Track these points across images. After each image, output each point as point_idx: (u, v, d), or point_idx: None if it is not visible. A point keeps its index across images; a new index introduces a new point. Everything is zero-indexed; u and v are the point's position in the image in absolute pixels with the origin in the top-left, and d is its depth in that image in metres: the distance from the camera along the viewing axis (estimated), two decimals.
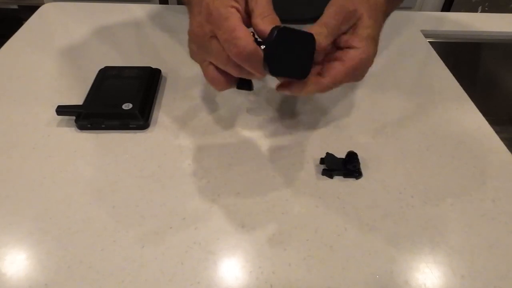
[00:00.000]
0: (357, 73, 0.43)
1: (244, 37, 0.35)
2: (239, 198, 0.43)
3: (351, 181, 0.45)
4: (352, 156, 0.46)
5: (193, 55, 0.42)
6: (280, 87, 0.43)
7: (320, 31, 0.41)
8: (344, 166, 0.45)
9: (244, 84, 0.42)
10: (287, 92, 0.43)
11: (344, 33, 0.43)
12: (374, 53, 0.43)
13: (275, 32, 0.36)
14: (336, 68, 0.42)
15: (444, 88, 0.61)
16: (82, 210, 0.41)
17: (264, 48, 0.36)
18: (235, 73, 0.39)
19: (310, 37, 0.39)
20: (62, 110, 0.50)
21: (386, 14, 0.47)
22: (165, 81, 0.59)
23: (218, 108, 0.55)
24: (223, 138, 0.50)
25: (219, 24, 0.36)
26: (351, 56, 0.41)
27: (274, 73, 0.38)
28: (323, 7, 0.44)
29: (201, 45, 0.39)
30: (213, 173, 0.45)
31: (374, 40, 0.43)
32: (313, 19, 0.43)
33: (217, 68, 0.39)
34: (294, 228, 0.40)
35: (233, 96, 0.57)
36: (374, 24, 0.43)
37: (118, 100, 0.51)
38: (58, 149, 0.47)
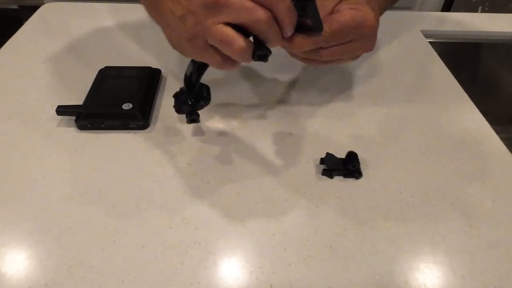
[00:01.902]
0: (355, 27, 0.41)
1: None
2: (239, 198, 0.43)
3: (351, 181, 0.45)
4: (352, 156, 0.46)
5: (196, 24, 0.37)
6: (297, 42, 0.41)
7: None
8: (344, 166, 0.45)
9: (262, 48, 0.37)
10: (299, 47, 0.41)
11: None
12: (371, 14, 0.42)
13: None
14: (333, 17, 0.41)
15: (444, 88, 0.61)
16: (82, 210, 0.41)
17: None
18: (261, 22, 0.35)
19: None
20: (62, 110, 0.50)
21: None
22: (165, 81, 0.59)
23: (218, 108, 0.55)
24: (223, 138, 0.50)
25: None
26: (345, 11, 0.41)
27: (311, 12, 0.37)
28: None
29: (214, 4, 0.35)
30: (213, 173, 0.45)
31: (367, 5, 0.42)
32: None
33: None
34: (294, 228, 0.40)
35: (233, 96, 0.57)
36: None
37: (118, 100, 0.51)
38: (58, 149, 0.47)
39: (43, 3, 0.79)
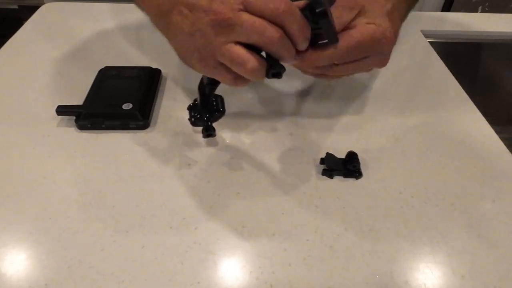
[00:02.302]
0: (372, 44, 0.40)
1: None
2: (239, 198, 0.43)
3: (351, 181, 0.45)
4: (352, 156, 0.46)
5: (206, 44, 0.36)
6: (310, 56, 0.39)
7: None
8: (344, 166, 0.45)
9: (275, 66, 0.36)
10: (313, 61, 0.40)
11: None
12: (390, 29, 0.40)
13: None
14: (350, 33, 0.39)
15: (444, 88, 0.61)
16: (82, 210, 0.41)
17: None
18: (273, 41, 0.34)
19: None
20: (62, 110, 0.50)
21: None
22: (165, 81, 0.59)
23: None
24: (223, 139, 0.50)
25: None
26: (362, 27, 0.40)
27: (326, 28, 0.36)
28: None
29: (224, 24, 0.34)
30: (213, 173, 0.45)
31: (387, 17, 0.41)
32: None
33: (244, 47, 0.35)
34: (294, 228, 0.40)
35: (233, 96, 0.57)
36: (379, 8, 0.41)
37: (118, 100, 0.51)
38: (58, 149, 0.47)
39: (43, 3, 0.79)
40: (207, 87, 0.43)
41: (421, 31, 0.76)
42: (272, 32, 0.34)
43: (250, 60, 0.35)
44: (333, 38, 0.37)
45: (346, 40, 0.39)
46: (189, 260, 0.37)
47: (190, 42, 0.37)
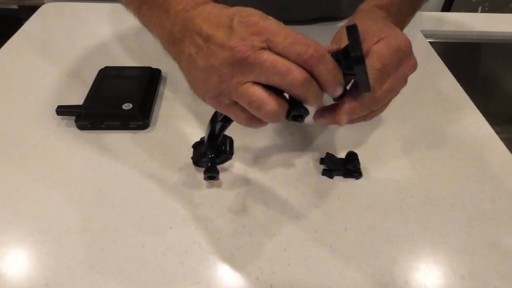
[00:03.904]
0: (400, 51, 0.38)
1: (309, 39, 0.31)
2: (239, 198, 0.43)
3: (351, 181, 0.45)
4: (352, 156, 0.46)
5: (221, 82, 0.32)
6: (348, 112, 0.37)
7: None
8: (344, 166, 0.45)
9: (298, 108, 0.33)
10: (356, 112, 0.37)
11: None
12: (400, 33, 0.39)
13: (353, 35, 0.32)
14: (377, 49, 0.37)
15: (444, 88, 0.61)
16: (82, 210, 0.41)
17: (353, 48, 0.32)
18: (297, 85, 0.31)
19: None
20: (62, 110, 0.50)
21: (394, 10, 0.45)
22: (165, 81, 0.59)
23: None
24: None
25: (275, 31, 0.31)
26: (377, 47, 0.37)
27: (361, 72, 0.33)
28: (321, 8, 0.42)
29: (242, 63, 0.31)
30: None
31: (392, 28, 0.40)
32: (313, 20, 0.42)
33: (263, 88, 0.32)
34: (294, 228, 0.40)
35: None
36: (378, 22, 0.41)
37: (118, 100, 0.51)
38: (58, 149, 0.47)
39: (43, 3, 0.79)
40: (219, 124, 0.39)
41: (421, 31, 0.76)
42: (296, 75, 0.30)
43: (269, 103, 0.31)
44: (367, 86, 0.34)
45: (373, 64, 0.36)
46: (189, 260, 0.37)
47: (203, 77, 0.33)
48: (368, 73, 0.33)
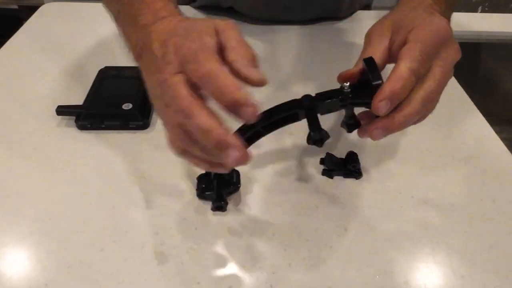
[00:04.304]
0: (439, 35, 0.35)
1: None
2: (239, 198, 0.43)
3: (351, 181, 0.45)
4: (352, 156, 0.46)
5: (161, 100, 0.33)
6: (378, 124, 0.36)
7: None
8: (344, 166, 0.45)
9: (317, 132, 0.37)
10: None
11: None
12: (442, 21, 0.36)
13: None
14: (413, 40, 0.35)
15: (444, 88, 0.61)
16: (82, 210, 0.41)
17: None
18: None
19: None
20: (62, 110, 0.50)
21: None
22: None
23: (218, 108, 0.54)
24: None
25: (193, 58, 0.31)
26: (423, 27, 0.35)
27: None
28: (321, 8, 0.41)
29: (162, 86, 0.32)
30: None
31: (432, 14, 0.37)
32: (314, 20, 0.41)
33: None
34: (294, 228, 0.40)
35: None
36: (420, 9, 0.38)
37: (118, 100, 0.51)
38: (58, 149, 0.47)
39: (43, 3, 0.79)
40: None
41: None
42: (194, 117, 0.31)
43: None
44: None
45: (413, 49, 0.34)
46: (189, 260, 0.37)
47: (151, 94, 0.35)
48: (411, 55, 0.33)
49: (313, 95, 0.37)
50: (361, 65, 0.36)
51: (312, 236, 0.39)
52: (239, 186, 0.42)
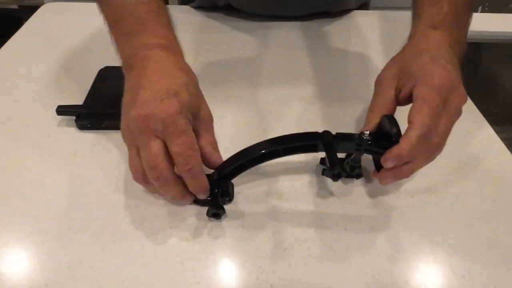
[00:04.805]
0: (443, 89, 0.38)
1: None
2: (239, 198, 0.43)
3: (351, 181, 0.45)
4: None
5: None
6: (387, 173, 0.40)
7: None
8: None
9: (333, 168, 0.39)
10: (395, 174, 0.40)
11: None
12: (436, 68, 0.39)
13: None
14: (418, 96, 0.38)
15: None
16: (82, 210, 0.41)
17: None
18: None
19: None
20: (62, 110, 0.50)
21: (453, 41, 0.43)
22: None
23: (218, 108, 0.54)
24: (222, 138, 0.50)
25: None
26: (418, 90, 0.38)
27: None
28: (317, 4, 0.41)
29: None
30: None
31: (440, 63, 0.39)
32: (311, 16, 0.42)
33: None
34: (294, 228, 0.40)
35: (233, 96, 0.57)
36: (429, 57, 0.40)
37: (118, 100, 0.51)
38: (58, 149, 0.47)
39: (43, 3, 0.79)
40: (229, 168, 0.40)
41: None
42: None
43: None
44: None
45: (420, 109, 0.37)
46: (189, 260, 0.37)
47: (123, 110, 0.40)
48: (419, 120, 0.37)
49: (334, 133, 0.41)
50: (376, 117, 0.41)
51: (312, 236, 0.39)
52: (232, 199, 0.42)
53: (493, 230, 0.40)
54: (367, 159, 0.47)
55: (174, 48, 0.42)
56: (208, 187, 0.39)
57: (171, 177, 0.37)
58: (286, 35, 0.70)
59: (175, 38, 0.43)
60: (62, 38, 0.69)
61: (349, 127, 0.52)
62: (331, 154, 0.39)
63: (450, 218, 0.41)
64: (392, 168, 0.38)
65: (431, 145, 0.38)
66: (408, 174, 0.40)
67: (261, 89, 0.58)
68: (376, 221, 0.41)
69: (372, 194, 0.44)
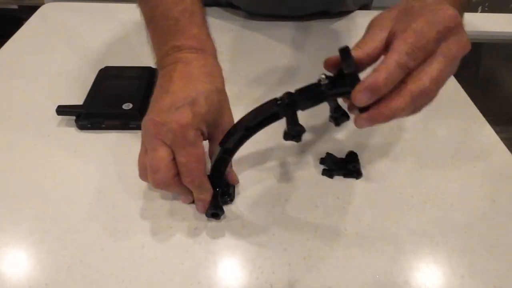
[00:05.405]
0: (441, 26, 0.32)
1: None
2: (239, 198, 0.43)
3: (351, 181, 0.45)
4: (352, 156, 0.46)
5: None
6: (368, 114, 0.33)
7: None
8: (344, 166, 0.45)
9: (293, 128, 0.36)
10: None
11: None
12: (441, 6, 0.33)
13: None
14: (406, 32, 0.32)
15: (444, 88, 0.61)
16: (82, 210, 0.41)
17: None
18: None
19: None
20: (62, 110, 0.50)
21: None
22: None
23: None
24: None
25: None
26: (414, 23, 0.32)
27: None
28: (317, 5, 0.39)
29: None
30: None
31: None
32: (314, 15, 0.40)
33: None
34: (294, 228, 0.40)
35: (233, 96, 0.57)
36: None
37: (118, 100, 0.51)
38: (58, 149, 0.47)
39: (43, 3, 0.79)
40: (220, 161, 0.39)
41: None
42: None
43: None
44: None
45: (404, 40, 0.32)
46: (189, 260, 0.37)
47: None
48: (401, 47, 0.31)
49: (293, 91, 0.36)
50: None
51: (312, 236, 0.39)
52: (233, 199, 0.42)
53: (493, 230, 0.40)
54: (366, 159, 0.47)
55: (205, 49, 0.41)
56: (210, 198, 0.39)
57: (171, 183, 0.37)
58: (286, 35, 0.70)
59: (207, 37, 0.42)
60: (62, 38, 0.69)
61: (349, 127, 0.52)
62: (289, 115, 0.36)
63: (450, 218, 0.41)
64: (370, 108, 0.32)
65: (416, 84, 0.32)
66: (387, 116, 0.32)
67: (260, 88, 0.58)
68: (376, 221, 0.41)
69: (372, 194, 0.44)
